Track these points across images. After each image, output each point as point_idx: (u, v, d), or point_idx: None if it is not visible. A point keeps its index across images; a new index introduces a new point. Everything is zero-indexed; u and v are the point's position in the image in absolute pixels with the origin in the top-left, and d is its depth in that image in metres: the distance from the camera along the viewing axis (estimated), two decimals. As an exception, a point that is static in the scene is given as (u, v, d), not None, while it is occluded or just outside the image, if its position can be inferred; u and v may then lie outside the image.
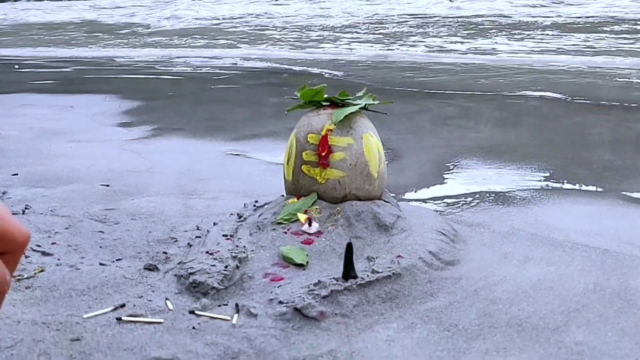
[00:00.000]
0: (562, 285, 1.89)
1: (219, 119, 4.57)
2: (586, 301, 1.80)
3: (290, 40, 10.04)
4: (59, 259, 2.03)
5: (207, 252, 1.95)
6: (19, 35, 11.50)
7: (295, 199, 2.18)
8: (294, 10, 14.29)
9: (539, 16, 11.77)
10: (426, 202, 2.74)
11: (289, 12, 13.90)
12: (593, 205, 2.67)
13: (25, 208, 2.50)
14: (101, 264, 2.00)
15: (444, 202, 2.73)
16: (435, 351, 1.55)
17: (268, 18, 13.22)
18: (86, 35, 11.38)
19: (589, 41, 8.78)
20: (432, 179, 3.10)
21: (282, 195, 2.30)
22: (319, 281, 1.74)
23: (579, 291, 1.86)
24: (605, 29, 9.97)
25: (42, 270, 1.93)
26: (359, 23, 11.88)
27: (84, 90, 5.88)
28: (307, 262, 1.92)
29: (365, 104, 2.22)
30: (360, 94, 2.28)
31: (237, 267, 1.88)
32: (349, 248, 1.77)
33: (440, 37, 9.80)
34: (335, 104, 2.22)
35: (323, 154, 2.13)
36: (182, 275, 1.85)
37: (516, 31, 10.07)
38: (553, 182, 3.01)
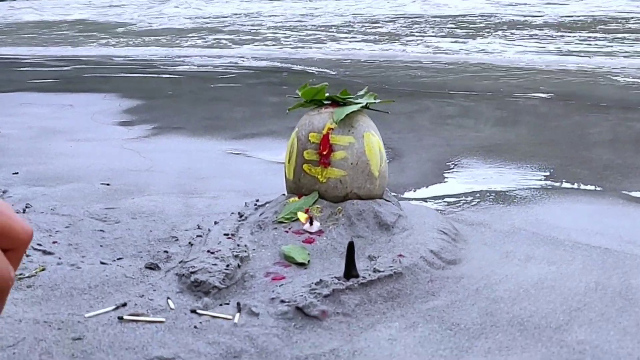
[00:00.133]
0: (564, 285, 1.89)
1: (219, 118, 4.57)
2: (588, 300, 1.80)
3: (287, 40, 10.04)
4: (60, 258, 2.03)
5: (208, 251, 1.94)
6: (15, 34, 11.48)
7: (297, 198, 2.18)
8: (283, 9, 14.29)
9: (530, 15, 11.77)
10: (427, 201, 2.74)
11: (281, 12, 13.89)
12: (594, 205, 2.67)
13: (26, 207, 2.50)
14: (102, 263, 2.00)
15: (444, 201, 2.73)
16: (437, 350, 1.55)
17: (264, 17, 13.22)
18: (82, 34, 11.37)
19: (587, 41, 8.78)
20: (433, 177, 3.10)
21: (283, 194, 2.29)
22: (321, 280, 1.74)
23: (580, 290, 1.86)
24: (603, 28, 9.98)
25: (43, 269, 1.93)
26: (353, 22, 11.88)
27: (83, 89, 5.87)
28: (308, 261, 1.92)
29: (367, 103, 2.21)
30: (361, 92, 2.28)
31: (239, 266, 1.87)
32: (351, 247, 1.76)
33: (437, 36, 9.80)
34: (336, 102, 2.22)
35: (324, 152, 2.13)
36: (183, 274, 1.84)
37: (513, 30, 10.07)
38: (553, 181, 3.01)
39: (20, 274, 1.89)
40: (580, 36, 9.21)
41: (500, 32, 9.92)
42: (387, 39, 9.65)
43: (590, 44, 8.44)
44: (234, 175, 3.10)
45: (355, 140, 2.14)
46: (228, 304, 1.72)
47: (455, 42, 9.13)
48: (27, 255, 2.02)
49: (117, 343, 1.55)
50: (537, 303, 1.78)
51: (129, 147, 3.64)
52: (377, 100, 2.24)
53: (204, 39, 10.37)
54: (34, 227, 2.27)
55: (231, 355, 1.50)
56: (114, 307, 1.72)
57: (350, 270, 1.77)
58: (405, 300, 1.77)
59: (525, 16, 11.83)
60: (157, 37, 10.63)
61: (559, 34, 9.53)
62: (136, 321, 1.64)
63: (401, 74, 6.64)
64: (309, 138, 2.16)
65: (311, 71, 6.96)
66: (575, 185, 2.94)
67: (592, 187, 2.91)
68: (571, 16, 11.61)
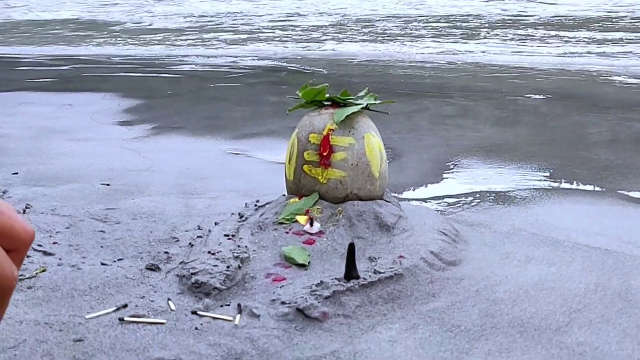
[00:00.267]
0: (564, 286, 1.90)
1: (219, 118, 4.57)
2: (587, 301, 1.81)
3: (286, 39, 10.04)
4: (60, 259, 2.03)
5: (209, 252, 1.95)
6: (9, 33, 11.47)
7: (297, 199, 2.18)
8: (271, 7, 14.27)
9: (526, 14, 11.78)
10: (427, 202, 2.74)
11: (270, 10, 13.89)
12: (593, 205, 2.68)
13: (26, 207, 2.50)
14: (103, 264, 2.00)
15: (444, 202, 2.73)
16: (437, 352, 1.55)
17: (258, 15, 13.22)
18: (76, 33, 11.35)
19: (586, 40, 8.78)
20: (433, 178, 3.11)
21: (284, 195, 2.30)
22: (321, 282, 1.74)
23: (580, 291, 1.86)
24: (601, 27, 9.98)
25: (44, 270, 1.93)
26: (346, 22, 11.88)
27: (82, 88, 5.86)
28: (309, 262, 1.92)
29: (367, 104, 2.22)
30: (361, 93, 2.28)
31: (239, 267, 1.88)
32: (351, 249, 1.77)
33: (435, 36, 9.80)
34: (336, 103, 2.22)
35: (325, 153, 2.13)
36: (184, 276, 1.85)
37: (509, 30, 10.07)
38: (553, 181, 3.01)
39: (21, 275, 1.90)
40: (579, 36, 9.21)
41: (496, 32, 9.92)
42: (383, 39, 9.65)
43: (589, 44, 8.45)
44: (234, 175, 3.10)
45: (355, 141, 2.14)
46: (229, 305, 1.72)
47: (453, 42, 9.13)
48: (28, 256, 2.03)
49: (118, 345, 1.55)
50: (537, 304, 1.78)
51: (128, 147, 3.64)
52: (378, 101, 2.25)
53: (201, 38, 10.37)
54: (35, 228, 2.27)
55: (232, 357, 1.50)
56: (114, 308, 1.72)
57: (350, 272, 1.77)
58: (406, 301, 1.77)
59: (521, 15, 11.84)
60: (153, 36, 10.63)
61: (557, 33, 9.54)
62: (137, 322, 1.64)
63: (400, 74, 6.64)
64: (310, 139, 2.16)
65: (310, 70, 6.96)
66: (575, 186, 2.95)
67: (592, 188, 2.92)
68: (567, 15, 11.62)
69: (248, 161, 3.38)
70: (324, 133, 2.14)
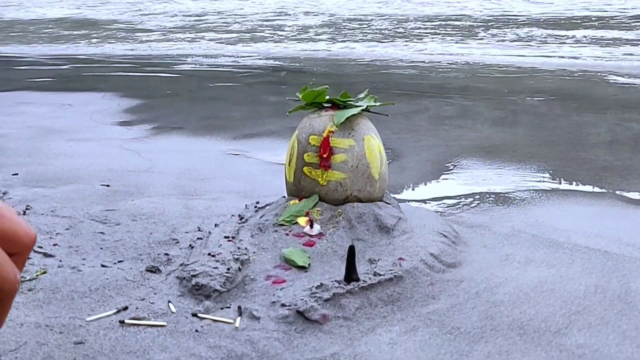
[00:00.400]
0: (563, 288, 1.90)
1: (218, 118, 4.57)
2: (587, 304, 1.81)
3: (284, 39, 10.03)
4: (60, 261, 2.03)
5: (209, 254, 1.95)
6: (4, 33, 11.46)
7: (297, 201, 2.18)
8: (265, 7, 14.27)
9: (522, 14, 11.78)
10: (426, 203, 2.74)
11: (267, 9, 13.88)
12: (593, 206, 2.68)
13: (26, 208, 2.50)
14: (103, 266, 2.00)
15: (444, 203, 2.73)
16: (437, 354, 1.56)
17: (252, 14, 13.21)
18: (72, 32, 11.34)
19: (583, 40, 8.79)
20: (432, 179, 3.11)
21: (284, 197, 2.30)
22: (321, 284, 1.75)
23: (580, 293, 1.87)
24: (601, 27, 9.99)
25: (44, 272, 1.94)
26: (341, 22, 11.87)
27: (82, 87, 5.86)
28: (309, 264, 1.92)
29: (367, 106, 2.22)
30: (361, 95, 2.29)
31: (239, 269, 1.88)
32: (351, 251, 1.77)
33: (432, 35, 9.80)
34: (336, 105, 2.22)
35: (324, 155, 2.13)
36: (184, 278, 1.85)
37: (507, 30, 10.07)
38: (553, 182, 3.01)
39: (21, 277, 1.90)
40: (578, 36, 9.22)
41: (496, 32, 9.92)
42: (382, 39, 9.65)
43: (588, 44, 8.45)
44: (233, 176, 3.10)
45: (355, 143, 2.15)
46: (229, 307, 1.72)
47: (452, 42, 9.13)
48: (29, 258, 2.02)
49: (119, 347, 1.55)
50: (537, 306, 1.79)
51: (128, 147, 3.64)
52: (378, 103, 2.25)
53: (199, 37, 10.36)
54: (35, 229, 2.27)
55: (232, 359, 1.51)
56: (115, 310, 1.72)
57: (350, 274, 1.78)
58: (406, 303, 1.77)
59: (520, 15, 11.84)
60: (150, 35, 10.62)
61: (557, 33, 9.54)
62: (137, 325, 1.65)
63: (399, 74, 6.64)
64: (310, 141, 2.16)
65: (309, 70, 6.96)
66: (575, 187, 2.95)
67: (591, 189, 2.92)
68: (567, 15, 11.62)
69: (248, 162, 3.38)
70: (324, 135, 2.14)
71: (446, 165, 3.32)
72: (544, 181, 3.03)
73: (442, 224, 2.26)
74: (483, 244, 2.23)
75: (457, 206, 2.68)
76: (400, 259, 1.92)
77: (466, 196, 2.81)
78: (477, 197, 2.80)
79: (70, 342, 1.57)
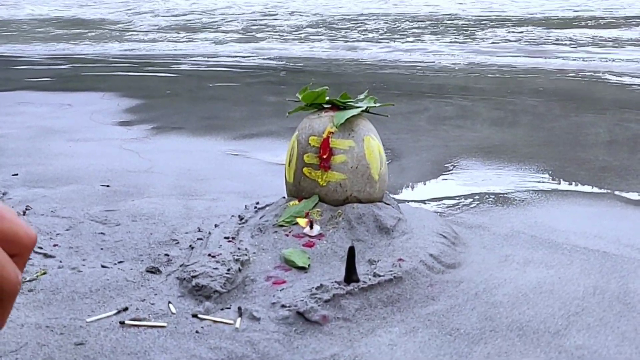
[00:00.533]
0: (562, 289, 1.90)
1: (218, 118, 4.57)
2: (586, 305, 1.82)
3: (283, 38, 10.03)
4: (60, 261, 2.04)
5: (209, 255, 1.95)
6: (0, 31, 11.44)
7: (297, 201, 2.19)
8: (263, 6, 14.26)
9: (524, 14, 11.78)
10: (426, 203, 2.75)
11: (264, 8, 13.87)
12: (592, 207, 2.69)
13: (26, 209, 2.50)
14: (103, 267, 2.00)
15: (443, 204, 2.74)
16: (437, 355, 1.56)
17: (250, 13, 13.20)
18: (66, 31, 11.33)
19: (583, 40, 8.79)
20: (432, 179, 3.12)
21: (283, 197, 2.30)
22: (321, 285, 1.75)
23: (578, 294, 1.87)
24: (600, 27, 9.99)
25: (44, 273, 1.94)
26: (341, 21, 11.87)
27: (81, 87, 5.86)
28: (308, 265, 1.93)
29: (367, 107, 2.22)
30: (361, 96, 2.29)
31: (240, 270, 1.88)
32: (351, 252, 1.78)
33: (431, 35, 9.81)
34: (336, 106, 2.23)
35: (324, 156, 2.14)
36: (184, 278, 1.85)
37: (508, 30, 10.08)
38: (552, 183, 3.02)
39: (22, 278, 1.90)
40: (577, 35, 9.22)
41: (496, 32, 9.92)
42: (382, 39, 9.65)
43: (588, 44, 8.46)
44: (233, 176, 3.10)
45: (355, 144, 2.15)
46: (229, 308, 1.73)
47: (452, 42, 9.13)
48: (29, 259, 2.03)
49: (119, 348, 1.55)
50: (536, 307, 1.79)
51: (128, 147, 3.65)
52: (377, 104, 2.25)
53: (195, 36, 10.36)
54: (35, 230, 2.27)
55: (233, 360, 1.51)
56: (115, 311, 1.72)
57: (350, 275, 1.78)
58: (405, 304, 1.78)
59: (520, 15, 11.84)
60: (146, 35, 10.62)
61: (557, 33, 9.54)
62: (138, 326, 1.65)
63: (399, 74, 6.64)
64: (309, 142, 2.17)
65: (308, 70, 6.96)
66: (574, 187, 2.95)
67: (591, 189, 2.93)
68: (567, 15, 11.62)
69: (247, 162, 3.39)
70: (324, 136, 2.14)
71: (445, 165, 3.32)
72: (543, 182, 3.04)
73: (441, 225, 2.26)
74: (482, 244, 2.24)
75: (456, 207, 2.69)
76: (400, 259, 1.92)
77: (465, 197, 2.82)
78: (477, 197, 2.80)
79: (70, 343, 1.57)
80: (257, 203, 2.42)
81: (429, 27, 10.62)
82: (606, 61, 7.14)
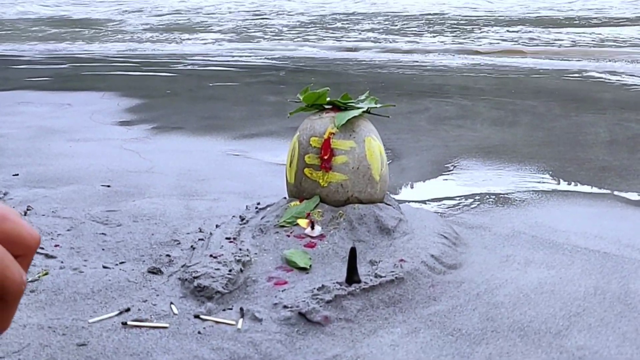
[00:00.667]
0: (563, 289, 1.91)
1: (218, 118, 4.57)
2: (587, 305, 1.82)
3: (281, 37, 10.03)
4: (62, 262, 2.04)
5: (210, 256, 1.95)
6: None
7: (298, 202, 2.19)
8: (260, 6, 14.24)
9: (523, 14, 11.79)
10: (426, 203, 2.75)
11: (261, 8, 13.87)
12: (592, 207, 2.69)
13: (27, 209, 2.50)
14: (105, 267, 2.01)
15: (444, 204, 2.74)
16: (439, 356, 1.57)
17: (247, 11, 13.20)
18: (64, 31, 11.32)
19: (582, 40, 8.80)
20: (432, 179, 3.12)
21: (285, 198, 2.31)
22: (323, 286, 1.75)
23: (579, 295, 1.88)
24: (599, 27, 10.00)
25: (46, 274, 1.94)
26: (340, 20, 11.87)
27: (81, 87, 5.86)
28: (310, 266, 1.93)
29: (368, 107, 2.23)
30: (362, 97, 2.29)
31: (241, 270, 1.89)
32: (353, 253, 1.78)
33: (434, 35, 9.81)
34: (337, 107, 2.23)
35: (325, 157, 2.14)
36: (186, 279, 1.85)
37: (508, 30, 10.08)
38: (552, 183, 3.03)
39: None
40: (577, 35, 9.23)
41: (496, 32, 9.93)
42: (382, 38, 9.65)
43: (587, 44, 8.46)
44: (234, 176, 3.10)
45: (356, 145, 2.15)
46: (231, 309, 1.73)
47: (452, 42, 9.14)
48: (30, 259, 2.03)
49: (122, 349, 1.56)
50: (537, 308, 1.80)
51: (128, 147, 3.65)
52: (378, 105, 2.26)
53: (193, 36, 10.36)
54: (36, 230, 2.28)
55: (235, 361, 1.51)
56: (117, 312, 1.73)
57: (352, 276, 1.78)
58: (407, 305, 1.78)
59: (520, 15, 11.85)
60: (143, 34, 10.61)
61: (557, 33, 9.55)
62: (140, 327, 1.65)
63: (399, 74, 6.64)
64: (310, 142, 2.17)
65: (308, 69, 6.96)
66: (574, 188, 2.96)
67: (591, 189, 2.93)
68: (567, 15, 11.63)
69: (248, 162, 3.39)
70: (325, 136, 2.15)
71: (446, 165, 3.33)
72: (543, 182, 3.04)
73: (442, 225, 2.27)
74: (483, 245, 2.24)
75: (457, 207, 2.69)
76: (401, 260, 1.93)
77: (466, 197, 2.82)
78: (477, 197, 2.81)
79: (73, 344, 1.58)
80: (258, 203, 2.42)
81: (430, 27, 10.63)
82: (606, 61, 7.14)
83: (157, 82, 6.25)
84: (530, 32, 9.69)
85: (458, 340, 1.64)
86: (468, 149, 3.62)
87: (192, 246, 2.15)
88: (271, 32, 10.63)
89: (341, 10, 13.22)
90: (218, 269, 1.85)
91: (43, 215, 2.46)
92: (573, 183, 3.02)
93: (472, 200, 2.78)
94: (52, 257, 2.07)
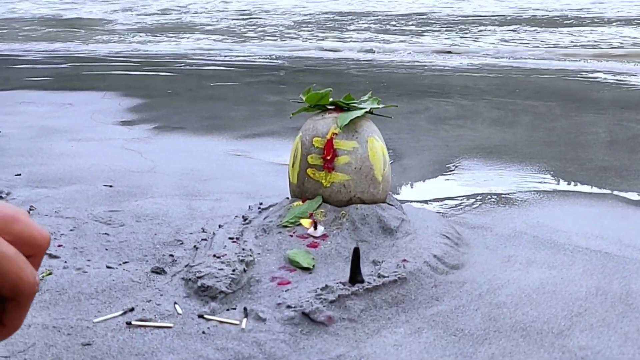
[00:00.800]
0: (565, 289, 1.92)
1: (219, 118, 4.58)
2: (589, 305, 1.83)
3: (280, 37, 10.04)
4: (65, 262, 2.04)
5: (214, 256, 1.96)
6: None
7: (301, 202, 2.20)
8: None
9: (523, 14, 11.80)
10: (428, 203, 2.76)
11: (259, 7, 13.87)
12: (593, 207, 2.70)
13: (30, 209, 2.51)
14: (108, 267, 2.01)
15: (445, 204, 2.75)
16: (442, 356, 1.57)
17: (245, 10, 13.21)
18: (52, 30, 11.31)
19: (582, 40, 8.81)
20: (434, 179, 3.13)
21: (287, 198, 2.31)
22: (326, 286, 1.76)
23: (581, 295, 1.89)
24: (599, 27, 10.01)
25: (50, 274, 1.95)
26: (340, 20, 11.88)
27: (82, 87, 5.86)
28: (313, 266, 1.94)
29: (370, 108, 2.23)
30: (365, 97, 2.30)
31: (245, 270, 1.89)
32: (356, 253, 1.79)
33: (434, 35, 9.82)
34: (340, 107, 2.24)
35: (328, 157, 2.15)
36: (190, 279, 1.86)
37: (508, 30, 10.09)
38: (553, 183, 3.03)
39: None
40: (577, 36, 9.24)
41: (496, 32, 9.94)
42: (382, 38, 9.66)
43: (587, 44, 8.47)
44: (235, 176, 3.11)
45: (359, 145, 2.16)
46: (235, 308, 1.74)
47: (452, 42, 9.15)
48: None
49: (127, 349, 1.56)
50: (539, 308, 1.81)
51: (130, 147, 3.65)
52: (381, 105, 2.26)
53: (191, 35, 10.36)
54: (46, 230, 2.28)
55: (240, 361, 1.52)
56: (121, 312, 1.74)
57: (355, 276, 1.79)
58: (410, 305, 1.79)
59: (519, 15, 11.86)
60: (139, 34, 10.62)
61: (557, 33, 9.56)
62: (144, 326, 1.66)
63: (399, 74, 6.65)
64: (313, 143, 2.18)
65: (308, 69, 6.97)
66: (575, 188, 2.97)
67: (592, 190, 2.94)
68: (567, 15, 11.64)
69: (249, 162, 3.39)
70: (328, 137, 2.16)
71: (447, 165, 3.34)
72: (544, 182, 3.05)
73: (444, 225, 2.28)
74: (485, 245, 2.25)
75: (458, 207, 2.70)
76: (404, 260, 1.94)
77: (467, 197, 2.83)
78: (479, 198, 2.81)
79: (78, 344, 1.59)
80: (261, 204, 2.43)
81: (430, 27, 10.64)
82: (606, 61, 7.15)
83: (157, 82, 6.26)
84: (531, 32, 9.70)
85: (461, 340, 1.64)
86: (469, 149, 3.63)
87: (195, 246, 2.16)
88: (272, 31, 10.64)
89: (341, 10, 13.24)
90: (222, 269, 1.86)
91: (46, 215, 2.47)
92: (574, 183, 3.03)
93: (473, 200, 2.79)
94: (55, 257, 2.08)
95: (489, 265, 2.07)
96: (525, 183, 3.03)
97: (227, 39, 9.86)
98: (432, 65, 7.08)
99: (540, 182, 3.04)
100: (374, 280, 1.81)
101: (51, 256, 2.08)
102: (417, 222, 2.24)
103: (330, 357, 1.55)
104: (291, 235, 2.09)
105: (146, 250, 2.17)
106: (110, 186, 2.89)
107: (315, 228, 2.09)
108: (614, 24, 10.23)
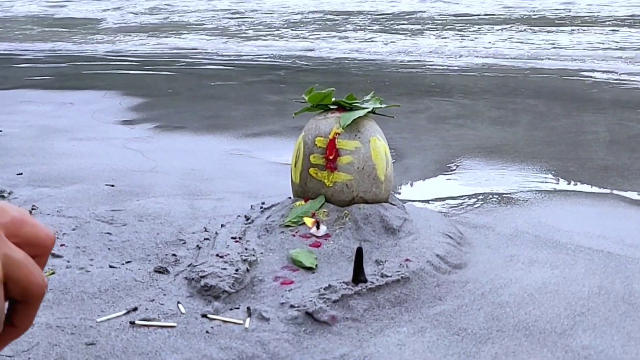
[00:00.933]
0: (567, 289, 1.92)
1: (220, 117, 4.58)
2: (591, 305, 1.83)
3: (279, 37, 10.04)
4: (68, 261, 2.05)
5: (217, 255, 1.96)
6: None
7: (303, 202, 2.20)
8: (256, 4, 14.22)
9: (523, 14, 11.81)
10: (430, 203, 2.76)
11: (258, 7, 13.86)
12: (595, 207, 2.71)
13: (32, 208, 2.51)
14: (111, 267, 2.02)
15: (447, 204, 2.75)
16: (445, 355, 1.58)
17: (242, 11, 13.21)
18: (48, 29, 11.31)
19: (582, 40, 8.81)
20: (435, 179, 3.13)
21: (289, 198, 2.31)
22: (330, 285, 1.76)
23: (584, 295, 1.89)
24: (599, 26, 10.01)
25: (52, 273, 1.95)
26: (340, 20, 11.88)
27: (82, 86, 5.86)
28: (316, 266, 1.94)
29: (373, 108, 2.24)
30: (367, 97, 2.30)
31: (248, 270, 1.90)
32: (359, 252, 1.79)
33: (434, 35, 9.82)
34: (343, 107, 2.24)
35: (331, 157, 2.15)
36: (193, 279, 1.87)
37: (508, 30, 10.09)
38: (555, 183, 3.04)
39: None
40: (577, 36, 9.24)
41: (496, 32, 9.94)
42: (382, 38, 9.67)
43: (587, 44, 8.48)
44: (237, 176, 3.11)
45: (361, 145, 2.16)
46: (238, 308, 1.74)
47: (452, 41, 9.15)
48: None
49: (130, 348, 1.57)
50: (542, 307, 1.81)
51: (131, 146, 3.65)
52: (383, 105, 2.27)
53: (190, 35, 10.36)
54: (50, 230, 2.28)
55: (243, 360, 1.52)
56: (125, 311, 1.74)
57: (358, 275, 1.79)
58: (413, 305, 1.79)
59: (520, 15, 11.86)
60: (138, 34, 10.61)
61: (557, 33, 9.56)
62: (148, 326, 1.66)
63: (400, 73, 6.65)
64: (316, 142, 2.18)
65: (308, 69, 6.97)
66: (577, 187, 2.97)
67: (593, 189, 2.94)
68: (567, 15, 11.65)
69: (251, 162, 3.40)
70: (330, 137, 2.16)
71: (448, 165, 3.34)
72: (546, 181, 3.05)
73: (446, 225, 2.28)
74: (487, 244, 2.25)
75: (460, 207, 2.70)
76: (407, 260, 1.94)
77: (469, 196, 2.84)
78: (480, 197, 2.82)
79: (81, 343, 1.59)
80: (263, 203, 2.43)
81: (430, 27, 10.64)
82: (606, 61, 7.16)
83: (158, 81, 6.26)
84: (531, 32, 9.70)
85: (464, 339, 1.65)
86: (470, 149, 3.64)
87: (197, 246, 2.16)
88: (271, 31, 10.64)
89: (341, 9, 13.24)
90: (225, 269, 1.86)
91: (48, 214, 2.47)
92: (575, 183, 3.04)
93: (475, 199, 2.79)
94: (58, 256, 2.08)
95: (492, 264, 2.08)
96: (526, 182, 3.03)
97: (227, 39, 9.86)
98: (433, 65, 7.08)
99: (541, 182, 3.04)
100: (377, 279, 1.81)
101: (54, 255, 2.08)
102: (420, 221, 2.24)
103: (334, 356, 1.56)
104: (294, 235, 2.10)
105: (149, 249, 2.17)
106: (112, 185, 2.89)
107: (318, 228, 2.09)
108: (614, 23, 10.23)
